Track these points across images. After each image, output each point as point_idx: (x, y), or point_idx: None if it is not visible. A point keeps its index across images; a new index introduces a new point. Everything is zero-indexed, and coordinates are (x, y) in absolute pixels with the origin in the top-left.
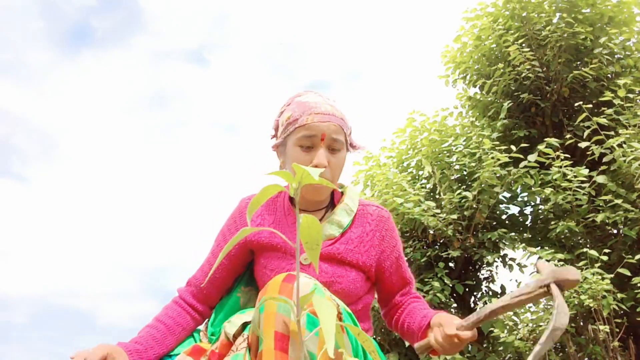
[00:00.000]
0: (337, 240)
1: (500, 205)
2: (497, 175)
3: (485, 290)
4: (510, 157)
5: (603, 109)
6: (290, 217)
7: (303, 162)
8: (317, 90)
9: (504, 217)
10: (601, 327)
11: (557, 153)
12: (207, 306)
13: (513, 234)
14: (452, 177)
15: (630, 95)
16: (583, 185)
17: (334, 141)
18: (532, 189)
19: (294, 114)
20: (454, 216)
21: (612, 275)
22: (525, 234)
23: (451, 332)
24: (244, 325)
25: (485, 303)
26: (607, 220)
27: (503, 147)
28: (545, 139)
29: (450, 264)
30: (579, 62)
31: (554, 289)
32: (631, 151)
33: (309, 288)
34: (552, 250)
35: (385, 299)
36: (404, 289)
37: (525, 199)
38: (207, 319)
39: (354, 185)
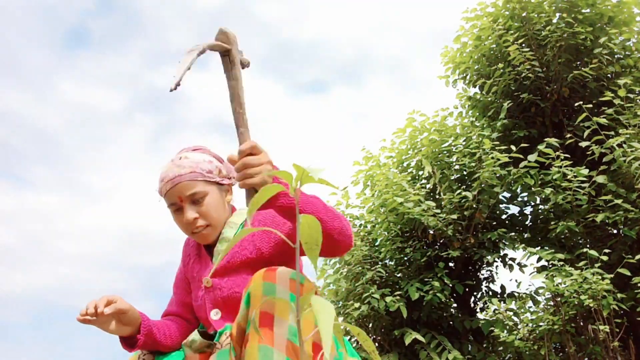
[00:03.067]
0: (227, 254)
1: (500, 205)
2: (497, 175)
3: (485, 290)
4: (510, 157)
5: (603, 108)
6: (202, 254)
7: (179, 222)
8: (176, 154)
9: (504, 217)
10: (601, 327)
11: (557, 153)
12: (190, 324)
13: (513, 234)
14: (452, 177)
15: (630, 95)
16: (583, 185)
17: (192, 196)
18: (532, 189)
19: (157, 188)
20: (454, 216)
21: (612, 275)
22: (525, 234)
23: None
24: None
25: (485, 303)
26: (607, 220)
27: (503, 147)
28: (545, 139)
29: (450, 264)
30: (579, 62)
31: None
32: (631, 151)
33: (289, 273)
34: (552, 250)
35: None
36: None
37: (525, 199)
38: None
39: (354, 185)
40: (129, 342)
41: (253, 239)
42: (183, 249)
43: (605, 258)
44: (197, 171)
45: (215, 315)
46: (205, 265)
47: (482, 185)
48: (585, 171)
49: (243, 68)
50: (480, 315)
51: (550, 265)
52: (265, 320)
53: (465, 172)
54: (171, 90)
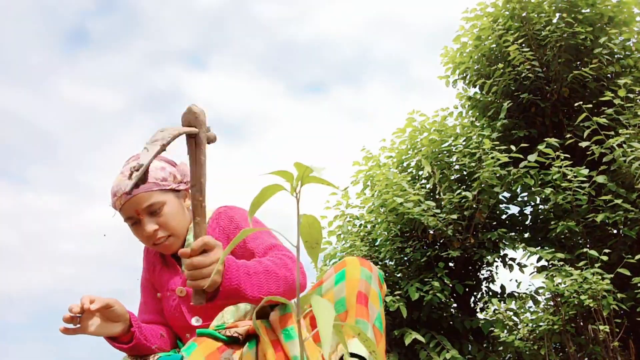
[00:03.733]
0: None
1: (500, 205)
2: (497, 175)
3: (485, 290)
4: (510, 157)
5: (603, 108)
6: (170, 261)
7: (139, 236)
8: (125, 164)
9: (504, 217)
10: (601, 327)
11: (557, 153)
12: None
13: (513, 234)
14: (452, 177)
15: (631, 95)
16: (583, 185)
17: (149, 207)
18: (532, 189)
19: (110, 203)
20: (454, 216)
21: (612, 275)
22: (525, 234)
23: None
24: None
25: (485, 303)
26: (607, 220)
27: (503, 147)
28: (545, 139)
29: (450, 264)
30: (579, 62)
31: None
32: (631, 151)
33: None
34: (552, 250)
35: None
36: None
37: (525, 199)
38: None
39: (354, 185)
40: (121, 341)
41: (225, 243)
42: (144, 257)
43: (605, 258)
44: (151, 181)
45: (196, 322)
46: (175, 273)
47: (482, 185)
48: (585, 171)
49: (209, 143)
50: (480, 315)
51: (550, 265)
52: (361, 299)
53: (465, 172)
54: (131, 189)
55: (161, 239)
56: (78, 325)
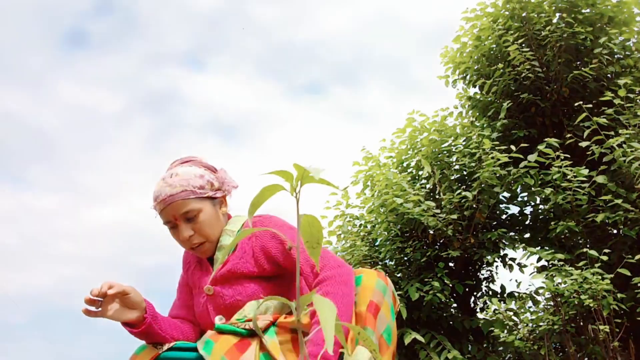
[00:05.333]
0: (227, 261)
1: (500, 205)
2: (497, 175)
3: (485, 290)
4: (510, 157)
5: (603, 108)
6: (203, 259)
7: (177, 240)
8: (166, 171)
9: (504, 217)
10: (601, 327)
11: (557, 153)
12: (195, 324)
13: (513, 234)
14: (452, 177)
15: (631, 95)
16: (583, 185)
17: (186, 214)
18: (532, 189)
19: (152, 206)
20: (454, 216)
21: (612, 275)
22: (525, 234)
23: None
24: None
25: (485, 303)
26: (607, 220)
27: (503, 147)
28: (545, 139)
29: (450, 264)
30: (579, 62)
31: None
32: (631, 151)
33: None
34: (552, 250)
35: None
36: (307, 275)
37: (525, 199)
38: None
39: (354, 185)
40: (134, 324)
41: (255, 255)
42: (183, 257)
43: (605, 258)
44: (189, 189)
45: (219, 320)
46: (206, 272)
47: (482, 185)
48: (585, 171)
49: None
50: (480, 315)
51: (550, 265)
52: (372, 309)
53: (465, 172)
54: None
55: (196, 244)
56: (99, 309)
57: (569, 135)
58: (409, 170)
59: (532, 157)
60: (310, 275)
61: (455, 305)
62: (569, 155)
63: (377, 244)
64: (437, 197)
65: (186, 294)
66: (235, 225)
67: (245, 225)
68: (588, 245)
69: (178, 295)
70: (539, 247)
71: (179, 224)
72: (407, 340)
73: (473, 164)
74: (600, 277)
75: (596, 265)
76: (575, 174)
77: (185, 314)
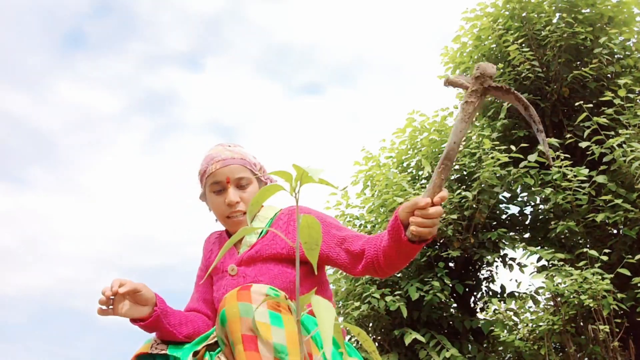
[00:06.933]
0: (255, 244)
1: (500, 205)
2: (497, 175)
3: (485, 290)
4: (510, 157)
5: (603, 108)
6: (231, 247)
7: (218, 204)
8: (223, 142)
9: (504, 217)
10: (601, 327)
11: (557, 153)
12: (210, 320)
13: (513, 233)
14: (452, 177)
15: (630, 95)
16: (583, 185)
17: (239, 179)
18: (532, 189)
19: (203, 167)
20: (454, 216)
21: (612, 275)
22: (525, 234)
23: (423, 202)
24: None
25: (485, 303)
26: (607, 220)
27: (503, 147)
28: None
29: (450, 264)
30: (579, 62)
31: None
32: (631, 151)
33: (265, 289)
34: (552, 250)
35: (348, 265)
36: (350, 244)
37: (525, 199)
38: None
39: (354, 185)
40: (143, 320)
41: (288, 236)
42: (204, 246)
43: (605, 258)
44: (246, 160)
45: (231, 270)
46: (230, 255)
47: (482, 185)
48: (585, 171)
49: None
50: (480, 315)
51: (550, 265)
52: (249, 344)
53: (465, 172)
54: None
55: (237, 213)
56: (111, 307)
57: (569, 135)
58: (409, 170)
59: (532, 157)
60: (355, 238)
61: (455, 305)
62: (569, 155)
63: None
64: None
65: (204, 286)
66: (268, 213)
67: (281, 214)
68: (588, 245)
69: (196, 288)
70: (539, 247)
71: (228, 188)
72: (407, 340)
73: (473, 164)
74: (600, 277)
75: (596, 265)
76: (575, 174)
77: (202, 308)
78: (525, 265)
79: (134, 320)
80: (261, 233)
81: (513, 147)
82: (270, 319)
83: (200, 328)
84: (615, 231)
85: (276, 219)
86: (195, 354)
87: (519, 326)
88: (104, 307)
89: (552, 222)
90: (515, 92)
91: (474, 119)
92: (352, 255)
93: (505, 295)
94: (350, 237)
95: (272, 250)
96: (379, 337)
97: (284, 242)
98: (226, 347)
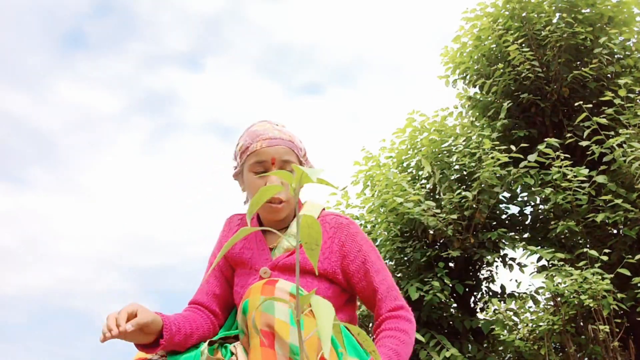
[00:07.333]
0: (294, 251)
1: (500, 205)
2: (497, 175)
3: (485, 290)
4: (510, 157)
5: (603, 108)
6: (258, 236)
7: (258, 186)
8: (268, 119)
9: (504, 217)
10: (601, 327)
11: (557, 153)
12: (216, 316)
13: (513, 233)
14: (452, 177)
15: (631, 95)
16: (583, 185)
17: (284, 163)
18: (532, 189)
19: (245, 143)
20: (454, 216)
21: (612, 275)
22: (525, 234)
23: None
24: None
25: (485, 303)
26: (607, 220)
27: (503, 147)
28: (545, 139)
29: (450, 264)
30: (579, 62)
31: None
32: (631, 151)
33: (289, 287)
34: (552, 250)
35: (371, 309)
36: (378, 299)
37: (525, 199)
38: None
39: (354, 185)
40: (147, 345)
41: (331, 256)
42: (223, 229)
43: (605, 258)
44: (295, 143)
45: (264, 273)
46: (261, 252)
47: (482, 185)
48: (585, 171)
49: None
50: (480, 315)
51: (550, 265)
52: (266, 340)
53: (465, 172)
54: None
55: (277, 200)
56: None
57: (569, 135)
58: (409, 170)
59: (532, 157)
60: (385, 299)
61: (455, 305)
62: (569, 155)
63: (377, 243)
64: (437, 197)
65: (216, 279)
66: (311, 213)
67: (323, 216)
68: (588, 245)
69: (207, 278)
70: (539, 247)
71: (270, 170)
72: None
73: (473, 164)
74: (600, 277)
75: (596, 265)
76: (575, 174)
77: (210, 303)
78: (525, 265)
79: (138, 345)
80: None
81: (513, 147)
82: (291, 319)
83: (205, 335)
84: (615, 231)
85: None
86: (212, 342)
87: (519, 326)
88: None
89: (552, 222)
90: None
91: (473, 119)
92: (373, 307)
93: (505, 295)
94: (382, 293)
95: (312, 264)
96: None
97: (325, 257)
98: (245, 336)
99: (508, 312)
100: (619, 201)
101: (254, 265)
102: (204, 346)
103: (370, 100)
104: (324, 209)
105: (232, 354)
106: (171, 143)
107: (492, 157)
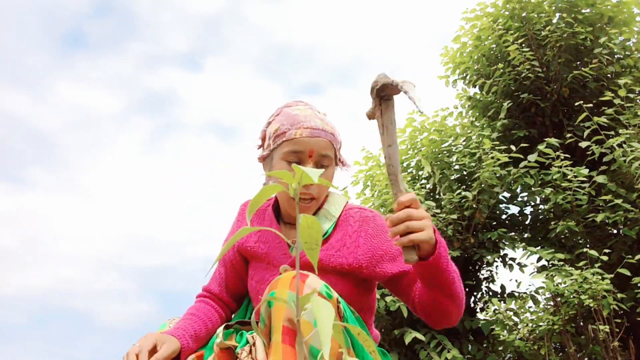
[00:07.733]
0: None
1: (500, 205)
2: (497, 175)
3: (485, 290)
4: (510, 157)
5: (603, 108)
6: (275, 227)
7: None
8: (308, 102)
9: (504, 217)
10: (601, 327)
11: (557, 153)
12: (228, 308)
13: (513, 233)
14: (452, 177)
15: (630, 95)
16: (583, 185)
17: (322, 157)
18: (532, 189)
19: (282, 127)
20: (454, 216)
21: (612, 275)
22: (525, 234)
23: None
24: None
25: (485, 303)
26: (607, 220)
27: (503, 147)
28: (545, 139)
29: None
30: (579, 62)
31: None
32: (631, 151)
33: (319, 285)
34: (552, 250)
35: (405, 295)
36: (411, 278)
37: (525, 199)
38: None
39: (354, 185)
40: None
41: (357, 250)
42: (238, 219)
43: (605, 258)
44: (335, 137)
45: (283, 270)
46: (280, 248)
47: (482, 185)
48: (585, 171)
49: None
50: (480, 315)
51: (550, 265)
52: (287, 337)
53: (465, 172)
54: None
55: (307, 196)
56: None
57: (569, 135)
58: (409, 170)
59: (532, 157)
60: (408, 280)
61: None
62: (569, 155)
63: None
64: (437, 197)
65: (231, 269)
66: (335, 208)
67: (347, 210)
68: (588, 245)
69: (220, 269)
70: (539, 247)
71: (308, 163)
72: (407, 340)
73: (473, 164)
74: (600, 277)
75: (596, 265)
76: (575, 174)
77: (223, 295)
78: (525, 265)
79: None
80: (326, 233)
81: (513, 147)
82: (314, 320)
83: (217, 327)
84: (615, 231)
85: (343, 219)
86: (228, 327)
87: (519, 326)
88: None
89: (552, 222)
90: (394, 80)
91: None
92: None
93: (505, 295)
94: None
95: (337, 262)
96: (380, 337)
97: (353, 256)
98: (266, 327)
99: (508, 312)
100: (619, 201)
101: (271, 261)
102: (220, 329)
103: (370, 100)
104: (347, 203)
105: (247, 342)
106: (171, 143)
107: (492, 157)
